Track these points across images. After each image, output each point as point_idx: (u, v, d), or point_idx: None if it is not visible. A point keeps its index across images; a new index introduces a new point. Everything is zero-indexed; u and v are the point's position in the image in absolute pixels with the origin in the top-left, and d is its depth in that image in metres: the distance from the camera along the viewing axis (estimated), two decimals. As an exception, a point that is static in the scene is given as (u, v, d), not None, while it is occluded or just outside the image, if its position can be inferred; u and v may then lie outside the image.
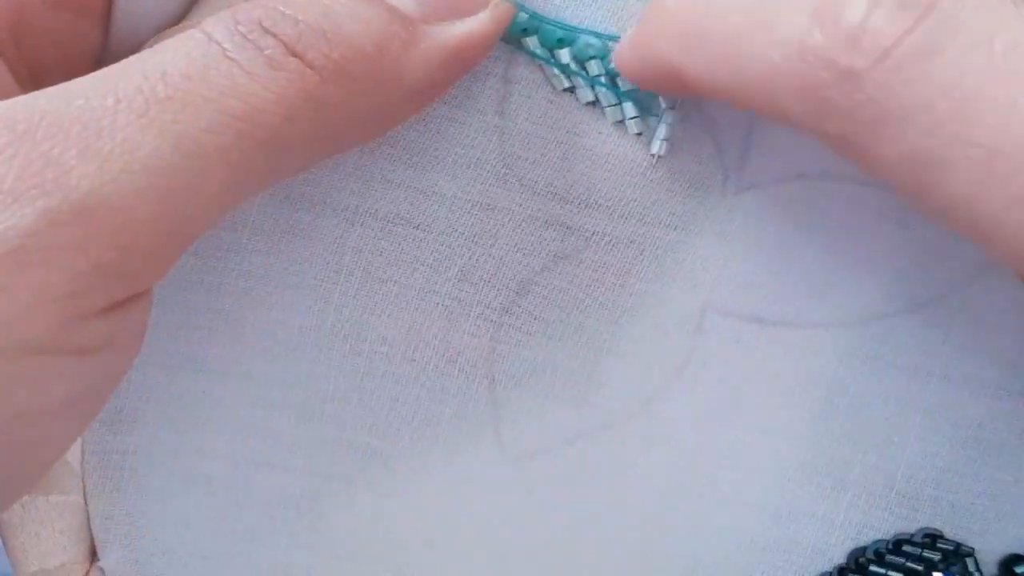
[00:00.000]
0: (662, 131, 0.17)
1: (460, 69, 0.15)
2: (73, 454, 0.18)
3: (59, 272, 0.12)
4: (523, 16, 0.16)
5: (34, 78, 0.16)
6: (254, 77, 0.13)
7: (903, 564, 0.19)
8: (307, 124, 0.14)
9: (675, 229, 0.18)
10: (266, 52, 0.13)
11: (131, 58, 0.13)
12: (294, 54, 0.13)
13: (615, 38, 0.16)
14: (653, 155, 0.17)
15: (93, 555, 0.18)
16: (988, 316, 0.18)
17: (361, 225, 0.17)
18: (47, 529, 0.18)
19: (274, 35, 0.13)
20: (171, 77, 0.13)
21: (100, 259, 0.13)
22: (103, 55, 0.16)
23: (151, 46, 0.15)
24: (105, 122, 0.13)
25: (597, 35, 0.17)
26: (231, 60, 0.13)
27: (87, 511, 0.18)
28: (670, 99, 0.17)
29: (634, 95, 0.17)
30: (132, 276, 0.13)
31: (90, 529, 0.18)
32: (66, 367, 0.13)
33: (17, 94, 0.14)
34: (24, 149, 0.12)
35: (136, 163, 0.13)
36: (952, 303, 0.18)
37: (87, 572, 0.18)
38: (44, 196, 0.12)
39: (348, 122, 0.14)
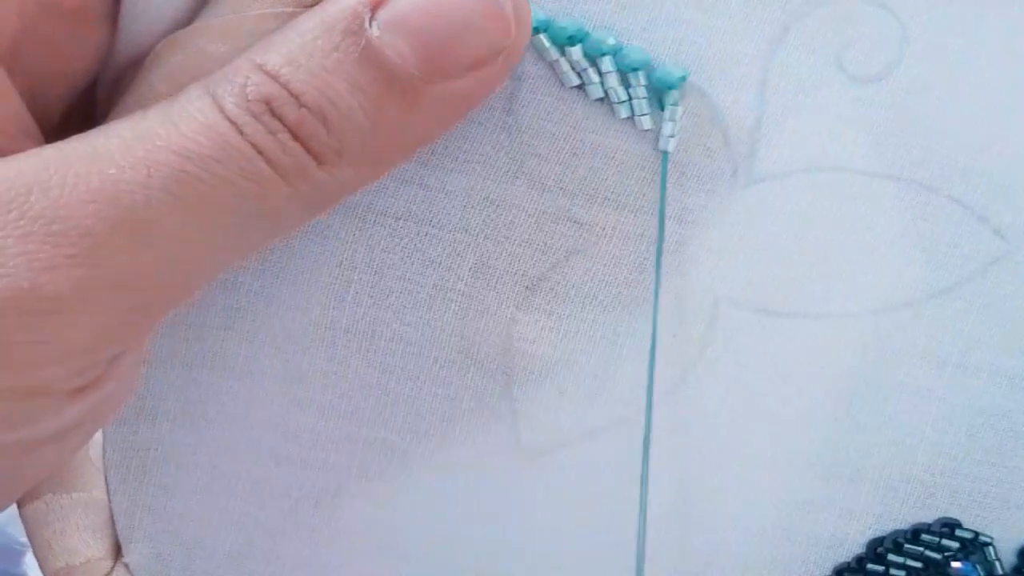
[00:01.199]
0: (669, 127, 0.17)
1: (459, 118, 0.16)
2: (95, 451, 0.19)
3: (83, 331, 0.14)
4: (535, 13, 0.17)
5: (34, 86, 0.16)
6: (267, 160, 0.14)
7: (922, 553, 0.19)
8: (306, 198, 0.15)
9: (686, 223, 0.18)
10: (278, 136, 0.14)
11: (151, 117, 0.14)
12: (296, 139, 0.14)
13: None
14: (662, 150, 0.18)
15: (118, 551, 0.19)
16: (1003, 305, 0.19)
17: (373, 223, 0.18)
18: (71, 526, 0.19)
19: (280, 119, 0.14)
20: (198, 158, 0.14)
21: (121, 320, 0.14)
22: (109, 60, 0.17)
23: (158, 52, 0.16)
24: (139, 199, 0.13)
25: (608, 33, 0.17)
26: (247, 142, 0.14)
27: (110, 508, 0.19)
28: (677, 95, 0.17)
29: (644, 91, 0.17)
30: (141, 334, 0.15)
31: (114, 525, 0.19)
32: (63, 406, 0.14)
33: (17, 102, 0.15)
34: (62, 214, 0.13)
35: (164, 240, 0.14)
36: (967, 292, 0.18)
37: (112, 568, 0.19)
38: (79, 266, 0.13)
39: (344, 189, 0.15)
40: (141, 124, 0.14)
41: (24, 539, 0.32)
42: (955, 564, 0.19)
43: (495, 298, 0.18)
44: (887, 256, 0.18)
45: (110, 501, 0.19)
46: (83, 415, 0.15)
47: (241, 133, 0.14)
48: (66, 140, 0.14)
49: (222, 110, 0.14)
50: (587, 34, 0.17)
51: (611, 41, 0.17)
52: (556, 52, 0.17)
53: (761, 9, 0.17)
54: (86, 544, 0.19)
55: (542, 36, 0.17)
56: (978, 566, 0.19)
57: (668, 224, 0.18)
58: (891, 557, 0.19)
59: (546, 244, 0.18)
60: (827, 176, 0.18)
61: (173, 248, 0.14)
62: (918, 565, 0.19)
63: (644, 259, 0.18)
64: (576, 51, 0.17)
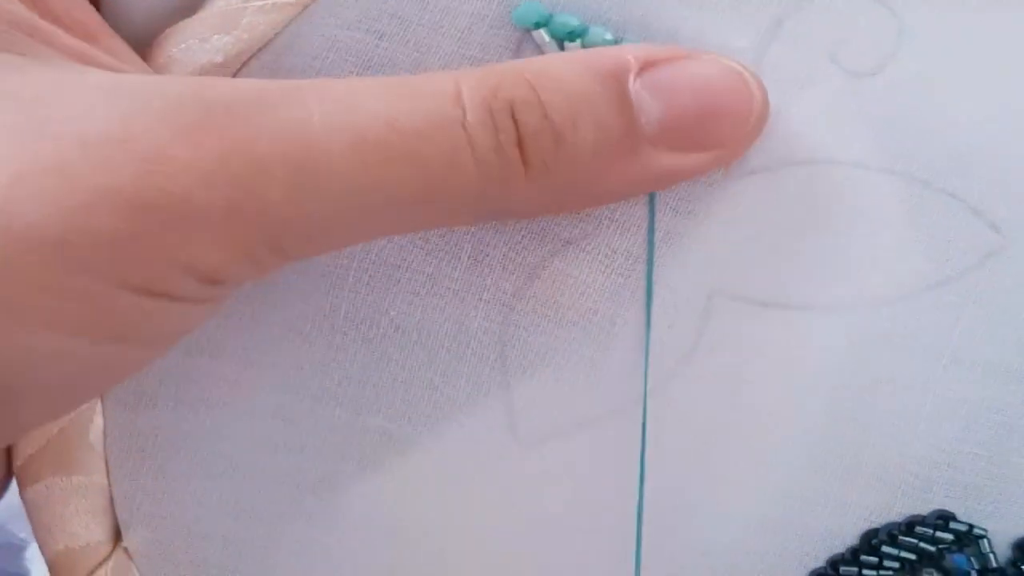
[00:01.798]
0: None
1: (649, 190, 0.17)
2: (96, 435, 0.19)
3: (224, 246, 0.14)
4: (535, 8, 0.18)
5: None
6: (474, 153, 0.14)
7: (916, 546, 0.19)
8: (488, 203, 0.15)
9: (681, 214, 0.19)
10: (500, 137, 0.14)
11: (371, 83, 0.14)
12: (519, 146, 0.14)
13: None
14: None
15: (118, 535, 0.20)
16: (998, 298, 0.19)
17: (373, 212, 0.19)
18: (71, 510, 0.19)
19: (516, 122, 0.14)
20: (403, 128, 0.14)
21: (257, 250, 0.14)
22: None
23: (159, 43, 0.17)
24: (319, 142, 0.13)
25: (605, 27, 0.18)
26: (464, 131, 0.14)
27: (110, 492, 0.19)
28: None
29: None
30: (264, 271, 0.15)
31: (114, 510, 0.19)
32: (186, 314, 0.14)
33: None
34: (240, 140, 0.13)
35: (327, 192, 0.14)
36: (962, 286, 0.19)
37: (111, 552, 0.19)
38: (236, 189, 0.13)
39: (524, 208, 0.16)
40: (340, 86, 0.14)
41: (24, 535, 0.33)
42: (950, 556, 0.19)
43: (492, 286, 0.19)
44: (882, 249, 0.19)
45: (110, 485, 0.19)
46: (187, 328, 0.15)
47: (464, 119, 0.14)
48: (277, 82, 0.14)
49: (458, 96, 0.14)
50: (586, 29, 0.18)
51: (609, 36, 0.18)
52: (556, 47, 0.18)
53: (755, 3, 0.18)
54: (86, 528, 0.19)
55: (542, 31, 0.18)
56: (972, 559, 0.19)
57: (663, 215, 0.19)
58: (885, 549, 0.19)
59: (543, 233, 0.19)
60: (821, 169, 0.19)
61: (331, 202, 0.14)
62: (912, 557, 0.19)
63: (640, 249, 0.19)
64: (575, 46, 0.18)
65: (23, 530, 0.32)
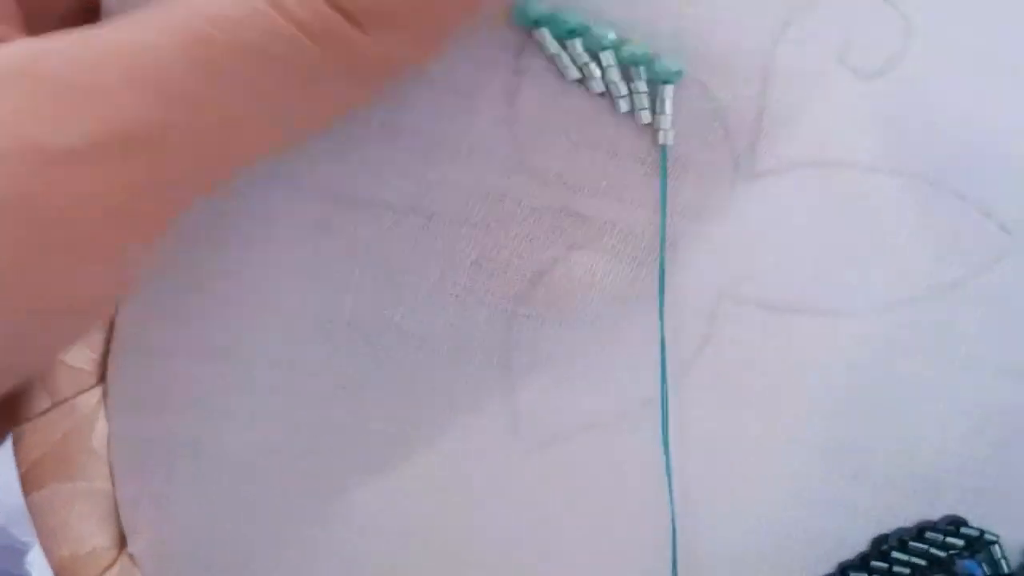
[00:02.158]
0: (663, 121, 0.18)
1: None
2: (99, 441, 0.19)
3: (97, 188, 0.14)
4: (535, 7, 0.18)
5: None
6: (295, 21, 0.15)
7: (926, 551, 0.19)
8: (345, 64, 0.15)
9: (688, 217, 0.19)
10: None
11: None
12: (336, 6, 0.15)
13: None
14: (662, 144, 0.18)
15: (122, 541, 0.20)
16: (1009, 300, 0.19)
17: (375, 216, 0.19)
18: (75, 515, 0.19)
19: None
20: (220, 20, 0.14)
21: (138, 180, 0.14)
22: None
23: None
24: (149, 55, 0.14)
25: (609, 27, 0.18)
26: (277, 6, 0.15)
27: (115, 497, 0.20)
28: (671, 90, 0.18)
29: (644, 86, 0.18)
30: (170, 198, 0.15)
31: (118, 515, 0.20)
32: (97, 273, 0.15)
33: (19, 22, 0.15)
34: (74, 77, 0.14)
35: (177, 94, 0.14)
36: (972, 288, 0.19)
37: (116, 558, 0.20)
38: (88, 121, 0.14)
39: (387, 56, 0.16)
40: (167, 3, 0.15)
41: (26, 538, 0.33)
42: (960, 563, 0.19)
43: (496, 291, 0.19)
44: (891, 251, 0.19)
45: (114, 491, 0.19)
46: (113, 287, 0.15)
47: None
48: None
49: None
50: (588, 28, 0.18)
51: (612, 35, 0.18)
52: (557, 46, 0.18)
53: (762, 3, 0.18)
54: (91, 533, 0.19)
55: (544, 30, 0.18)
56: (984, 564, 0.19)
57: (671, 218, 0.19)
58: (895, 555, 0.19)
59: (547, 238, 0.19)
60: (830, 171, 0.19)
61: (195, 111, 0.14)
62: (923, 563, 0.19)
63: (645, 253, 0.19)
64: (577, 45, 0.18)
65: (26, 534, 0.33)
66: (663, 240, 0.19)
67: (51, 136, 0.14)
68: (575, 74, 0.18)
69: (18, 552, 0.33)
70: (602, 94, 0.18)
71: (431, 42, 0.16)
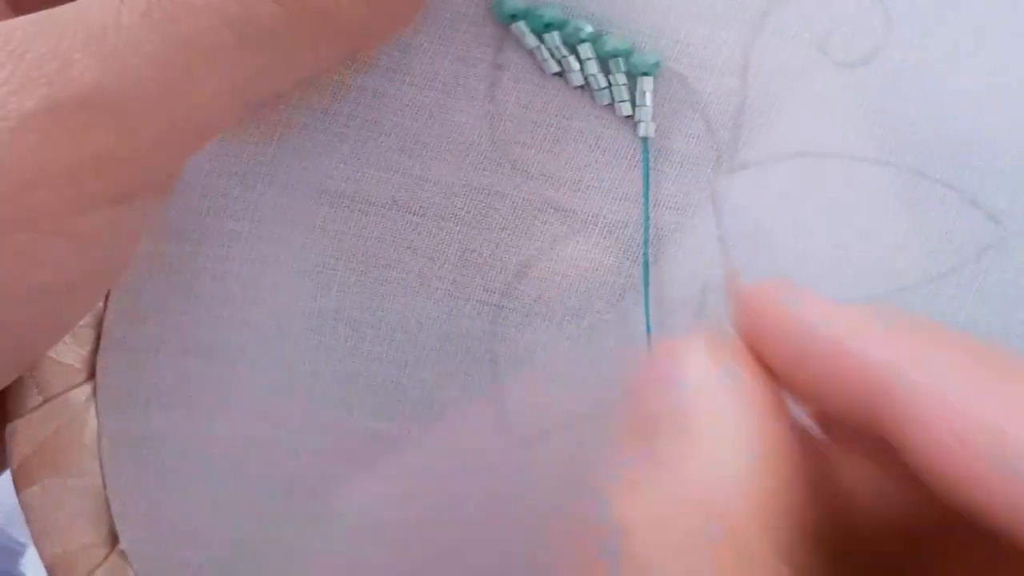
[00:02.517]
0: (642, 113, 0.18)
1: None
2: (90, 437, 0.20)
3: (59, 153, 0.14)
4: (512, 2, 0.18)
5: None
6: None
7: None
8: (303, 20, 0.15)
9: (671, 209, 0.19)
10: None
11: None
12: None
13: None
14: (641, 137, 0.18)
15: (114, 538, 0.20)
16: (997, 290, 0.19)
17: (359, 212, 0.19)
18: (66, 513, 0.20)
19: None
20: None
21: (101, 146, 0.14)
22: None
23: None
24: (110, 20, 0.14)
25: (587, 20, 0.18)
26: None
27: (105, 495, 0.20)
28: (649, 82, 0.18)
29: (624, 78, 0.18)
30: (135, 167, 0.15)
31: (109, 512, 0.20)
32: (56, 251, 0.15)
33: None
34: (34, 46, 0.14)
35: (137, 59, 0.14)
36: (961, 278, 0.19)
37: (108, 555, 0.20)
38: (47, 86, 0.14)
39: (348, 27, 0.16)
40: None
41: (23, 539, 0.33)
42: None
43: (481, 285, 0.19)
44: (878, 242, 0.19)
45: (105, 488, 0.20)
46: (88, 263, 0.15)
47: None
48: None
49: None
50: (566, 21, 0.18)
51: (589, 28, 0.18)
52: (535, 40, 0.18)
53: (741, -6, 0.18)
54: (82, 530, 0.20)
55: (521, 23, 0.18)
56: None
57: (654, 211, 0.19)
58: None
59: (531, 231, 0.19)
60: (813, 162, 0.19)
61: (153, 73, 0.14)
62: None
63: (629, 246, 0.19)
64: (555, 38, 0.18)
65: (22, 535, 0.33)
66: (646, 233, 0.19)
67: (10, 100, 0.14)
68: (554, 68, 0.18)
69: (14, 552, 0.33)
70: (582, 87, 0.18)
71: (397, 6, 0.16)
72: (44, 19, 0.15)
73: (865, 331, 0.13)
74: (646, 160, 0.19)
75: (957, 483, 0.12)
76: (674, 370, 0.13)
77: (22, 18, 0.15)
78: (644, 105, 0.18)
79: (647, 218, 0.19)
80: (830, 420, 0.14)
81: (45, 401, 0.19)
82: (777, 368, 0.14)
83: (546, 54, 0.18)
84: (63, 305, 0.16)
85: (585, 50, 0.18)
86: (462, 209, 0.19)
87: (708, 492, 0.12)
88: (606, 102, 0.18)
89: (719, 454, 0.12)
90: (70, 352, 0.19)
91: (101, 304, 0.20)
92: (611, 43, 0.18)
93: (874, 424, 0.13)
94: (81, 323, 0.20)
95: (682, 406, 0.13)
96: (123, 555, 0.20)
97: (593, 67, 0.18)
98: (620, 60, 0.18)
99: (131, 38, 0.14)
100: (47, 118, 0.14)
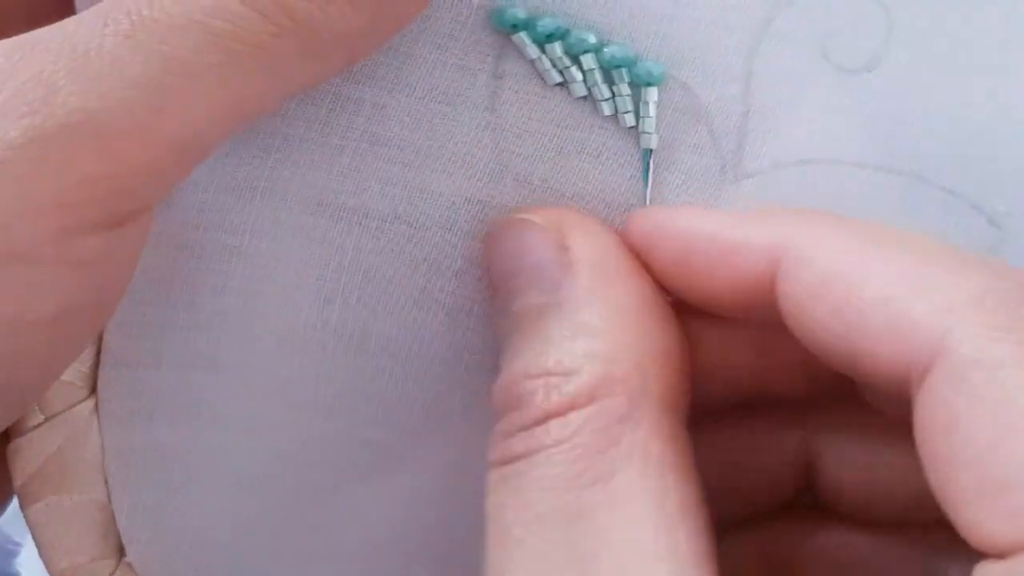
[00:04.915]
0: (646, 124, 0.19)
1: None
2: (93, 453, 0.21)
3: (48, 183, 0.15)
4: (512, 12, 0.19)
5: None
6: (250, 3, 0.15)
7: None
8: (297, 38, 0.16)
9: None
10: None
11: None
12: None
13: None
14: (644, 148, 0.19)
15: (121, 550, 0.21)
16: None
17: (359, 225, 0.20)
18: (72, 528, 0.21)
19: None
20: (157, 0, 0.15)
21: (89, 172, 0.15)
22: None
23: None
24: (93, 44, 0.15)
25: (589, 30, 0.19)
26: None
27: (111, 508, 0.21)
28: (654, 93, 0.19)
29: (626, 88, 0.19)
30: (126, 192, 0.16)
31: (116, 525, 0.21)
32: (58, 279, 0.16)
33: None
34: (17, 72, 0.15)
35: (122, 82, 0.15)
36: None
37: (115, 568, 0.21)
38: (31, 114, 0.15)
39: (340, 29, 0.16)
40: None
41: (18, 539, 0.35)
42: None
43: (483, 297, 0.20)
44: None
45: (111, 502, 0.21)
46: (85, 292, 0.16)
47: None
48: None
49: None
50: (567, 31, 0.19)
51: (591, 38, 0.19)
52: (536, 50, 0.19)
53: (743, 1, 0.19)
54: (90, 545, 0.21)
55: (522, 34, 0.19)
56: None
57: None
58: None
59: (533, 242, 0.20)
60: (817, 169, 0.20)
61: (140, 96, 0.15)
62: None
63: (632, 255, 0.20)
64: (556, 48, 0.19)
65: (19, 533, 0.35)
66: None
67: None
68: (556, 78, 0.19)
69: (9, 552, 0.35)
70: (584, 97, 0.19)
71: (384, 15, 0.17)
72: (27, 44, 0.15)
73: (739, 222, 0.17)
74: (647, 171, 0.20)
75: (815, 324, 0.16)
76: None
77: (4, 43, 0.16)
78: (648, 116, 0.19)
79: None
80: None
81: (47, 419, 0.21)
82: (667, 273, 0.18)
83: (548, 64, 0.19)
84: (69, 333, 0.17)
85: (588, 60, 0.19)
86: (463, 221, 0.20)
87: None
88: (609, 112, 0.19)
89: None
90: (70, 369, 0.21)
91: (100, 321, 0.21)
92: (613, 53, 0.19)
93: (758, 303, 0.17)
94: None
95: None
96: (130, 567, 0.22)
97: (596, 77, 0.19)
98: (623, 71, 0.19)
99: (115, 61, 0.15)
100: (32, 147, 0.15)
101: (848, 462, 0.18)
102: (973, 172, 0.20)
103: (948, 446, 0.14)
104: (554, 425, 0.16)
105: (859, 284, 0.15)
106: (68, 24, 0.16)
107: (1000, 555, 0.13)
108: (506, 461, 0.17)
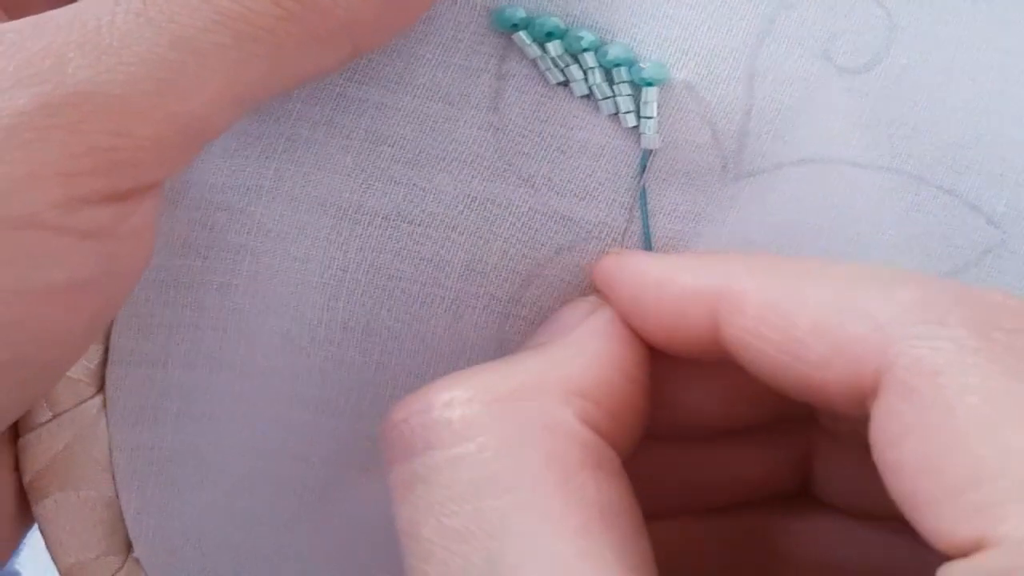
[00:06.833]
0: (647, 124, 0.20)
1: None
2: (100, 451, 0.22)
3: (54, 150, 0.16)
4: (512, 12, 0.20)
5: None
6: None
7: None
8: (302, 21, 0.17)
9: (677, 219, 0.21)
10: None
11: None
12: None
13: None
14: (644, 148, 0.21)
15: (128, 546, 0.23)
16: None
17: (364, 224, 0.21)
18: (80, 524, 0.22)
19: None
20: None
21: (96, 143, 0.16)
22: None
23: None
24: (104, 19, 0.16)
25: (589, 29, 0.20)
26: None
27: (119, 505, 0.22)
28: (654, 92, 0.20)
29: (627, 88, 0.20)
30: (132, 165, 0.16)
31: (123, 522, 0.23)
32: (66, 248, 0.16)
33: None
34: (28, 44, 0.16)
35: (133, 56, 0.16)
36: (962, 281, 0.21)
37: (123, 564, 0.23)
38: (40, 83, 0.16)
39: (347, 27, 0.17)
40: None
41: (17, 537, 0.36)
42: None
43: (487, 294, 0.22)
44: (880, 248, 0.21)
45: (118, 498, 0.22)
46: (93, 265, 0.17)
47: None
48: None
49: None
50: (566, 30, 0.20)
51: (590, 37, 0.20)
52: (538, 50, 0.20)
53: (746, 1, 0.20)
54: (97, 541, 0.22)
55: (522, 34, 0.20)
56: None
57: (660, 220, 0.21)
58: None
59: (536, 241, 0.21)
60: (818, 169, 0.21)
61: (148, 71, 0.16)
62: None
63: (634, 254, 0.21)
64: (556, 47, 0.20)
65: (19, 532, 0.36)
66: (648, 244, 0.21)
67: (2, 98, 0.15)
68: (558, 77, 0.20)
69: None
70: (586, 97, 0.21)
71: (392, 7, 0.18)
72: (39, 20, 0.16)
73: (680, 270, 0.19)
74: (643, 170, 0.21)
75: (763, 360, 0.17)
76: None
77: (18, 21, 0.17)
78: (649, 116, 0.20)
79: (647, 226, 0.21)
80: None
81: (55, 416, 0.22)
82: (627, 318, 0.19)
83: (549, 64, 0.20)
84: (83, 307, 0.17)
85: (588, 59, 0.20)
86: (467, 219, 0.21)
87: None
88: (610, 112, 0.20)
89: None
90: (78, 366, 0.22)
91: (107, 319, 0.22)
92: (614, 52, 0.20)
93: (710, 346, 0.18)
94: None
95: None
96: (138, 563, 0.23)
97: (597, 77, 0.20)
98: (624, 70, 0.20)
99: (125, 36, 0.16)
100: (40, 114, 0.16)
101: (845, 460, 0.20)
102: (972, 172, 0.21)
103: (901, 455, 0.15)
104: (458, 430, 0.17)
105: (793, 317, 0.16)
106: (81, 2, 0.17)
107: (964, 554, 0.14)
108: (410, 474, 0.17)
